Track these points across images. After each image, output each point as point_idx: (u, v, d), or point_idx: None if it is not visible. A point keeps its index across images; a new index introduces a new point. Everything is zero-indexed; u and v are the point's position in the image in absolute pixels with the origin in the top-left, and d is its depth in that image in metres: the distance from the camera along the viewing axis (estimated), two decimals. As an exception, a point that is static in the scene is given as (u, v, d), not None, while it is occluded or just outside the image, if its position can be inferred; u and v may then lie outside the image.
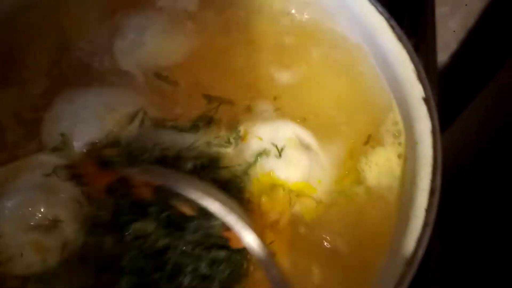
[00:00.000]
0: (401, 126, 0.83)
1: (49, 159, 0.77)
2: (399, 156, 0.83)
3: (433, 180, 0.73)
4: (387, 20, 0.83)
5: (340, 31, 0.91)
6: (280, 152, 0.79)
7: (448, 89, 1.72)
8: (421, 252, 0.68)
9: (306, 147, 0.82)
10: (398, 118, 0.84)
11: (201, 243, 0.71)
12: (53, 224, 0.72)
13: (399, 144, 0.83)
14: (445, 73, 1.79)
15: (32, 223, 0.72)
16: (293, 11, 0.93)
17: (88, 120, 0.79)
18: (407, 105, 0.80)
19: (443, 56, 1.77)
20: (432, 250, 0.91)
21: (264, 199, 0.78)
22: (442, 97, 1.38)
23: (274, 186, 0.79)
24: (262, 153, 0.80)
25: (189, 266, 0.70)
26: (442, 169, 0.74)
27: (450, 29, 1.72)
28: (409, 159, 0.80)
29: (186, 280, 0.70)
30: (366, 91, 0.88)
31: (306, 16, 0.93)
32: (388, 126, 0.85)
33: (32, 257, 0.71)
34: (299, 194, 0.79)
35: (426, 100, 0.78)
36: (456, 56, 1.77)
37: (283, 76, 0.89)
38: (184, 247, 0.71)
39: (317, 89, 0.89)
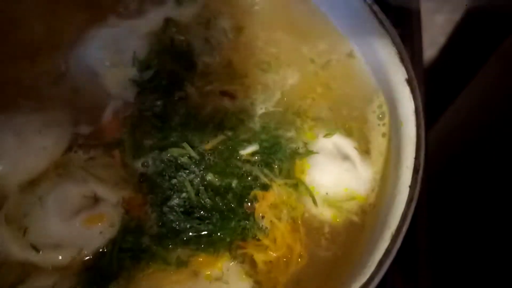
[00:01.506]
0: (385, 108, 0.85)
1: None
2: (383, 135, 0.84)
3: (416, 158, 0.74)
4: (370, 5, 0.84)
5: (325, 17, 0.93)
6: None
7: (436, 84, 1.74)
8: (405, 227, 0.69)
9: (344, 157, 0.82)
10: (382, 100, 0.85)
11: None
12: (94, 198, 0.75)
13: (383, 124, 0.84)
14: (432, 68, 1.81)
15: (73, 208, 0.74)
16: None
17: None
18: (390, 87, 0.82)
19: (430, 51, 1.79)
20: (420, 246, 0.92)
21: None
22: (429, 91, 1.40)
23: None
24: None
25: None
26: (425, 147, 0.75)
27: (437, 24, 1.74)
28: (393, 139, 0.82)
29: None
30: (351, 77, 0.89)
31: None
32: (373, 108, 0.86)
33: (89, 233, 0.73)
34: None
35: (409, 81, 0.79)
36: (443, 51, 1.79)
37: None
38: None
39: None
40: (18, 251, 0.71)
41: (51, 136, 0.79)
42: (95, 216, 0.74)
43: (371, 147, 0.84)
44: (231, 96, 0.86)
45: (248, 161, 0.79)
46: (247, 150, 0.80)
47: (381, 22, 0.83)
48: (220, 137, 0.80)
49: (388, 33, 0.82)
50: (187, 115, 0.82)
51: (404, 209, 0.70)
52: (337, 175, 0.80)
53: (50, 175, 0.77)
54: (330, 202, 0.79)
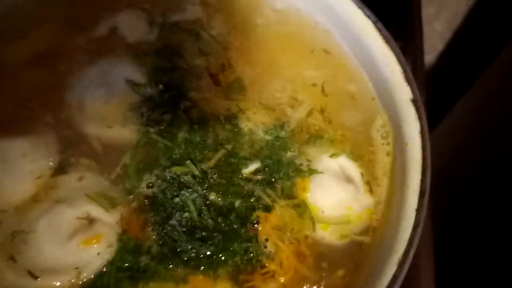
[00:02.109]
0: (388, 127, 0.83)
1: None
2: (387, 154, 0.83)
3: (422, 181, 0.73)
4: (374, 23, 0.83)
5: (327, 33, 0.92)
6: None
7: (435, 90, 1.73)
8: (412, 252, 0.68)
9: (348, 179, 0.81)
10: (386, 119, 0.84)
11: None
12: (88, 219, 0.74)
13: (388, 144, 0.83)
14: (431, 74, 1.81)
15: (67, 231, 0.72)
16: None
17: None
18: (395, 106, 0.80)
19: (429, 57, 1.78)
20: (423, 249, 0.92)
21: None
22: (429, 97, 1.39)
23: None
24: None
25: None
26: (431, 169, 0.74)
27: (436, 31, 1.74)
28: (398, 159, 0.80)
29: None
30: (355, 97, 0.88)
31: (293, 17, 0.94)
32: (377, 127, 0.85)
33: (86, 255, 0.71)
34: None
35: (414, 101, 0.78)
36: (442, 57, 1.79)
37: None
38: None
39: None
40: (14, 279, 0.69)
41: (37, 160, 0.77)
42: (91, 237, 0.72)
43: (376, 169, 0.83)
44: (216, 81, 0.87)
45: (250, 180, 0.78)
46: (250, 168, 0.79)
47: (386, 41, 0.82)
48: (221, 152, 0.79)
49: (393, 51, 0.81)
50: (190, 129, 0.81)
51: (411, 233, 0.69)
52: (340, 197, 0.79)
53: (41, 198, 0.75)
54: (330, 223, 0.78)
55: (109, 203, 0.75)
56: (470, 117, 1.60)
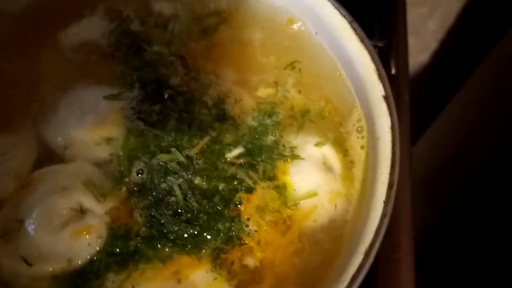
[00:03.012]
0: (363, 122, 0.85)
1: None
2: (361, 147, 0.86)
3: (391, 174, 0.75)
4: (350, 23, 0.85)
5: (307, 33, 0.94)
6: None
7: (429, 88, 1.75)
8: (378, 243, 0.70)
9: (328, 168, 0.84)
10: (361, 115, 0.86)
11: None
12: (80, 210, 0.76)
13: (362, 137, 0.86)
14: (425, 72, 1.82)
15: (60, 221, 0.74)
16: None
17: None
18: (368, 102, 0.83)
19: (423, 56, 1.79)
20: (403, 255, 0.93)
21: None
22: (422, 95, 1.40)
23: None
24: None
25: None
26: (402, 166, 0.76)
27: (429, 30, 1.75)
28: (370, 153, 0.83)
29: None
30: (331, 92, 0.91)
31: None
32: (353, 122, 0.88)
33: (77, 245, 0.74)
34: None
35: (386, 98, 0.80)
36: (436, 56, 1.80)
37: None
38: None
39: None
40: (10, 264, 0.72)
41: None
42: (82, 228, 0.75)
43: (353, 159, 0.86)
44: (185, 63, 0.90)
45: (233, 164, 0.81)
46: (233, 153, 0.82)
47: (360, 40, 0.84)
48: (206, 138, 0.82)
49: (367, 50, 0.83)
50: (179, 117, 0.84)
51: (378, 224, 0.71)
52: (317, 184, 0.82)
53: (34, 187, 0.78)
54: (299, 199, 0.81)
55: (101, 193, 0.78)
56: (462, 116, 1.61)
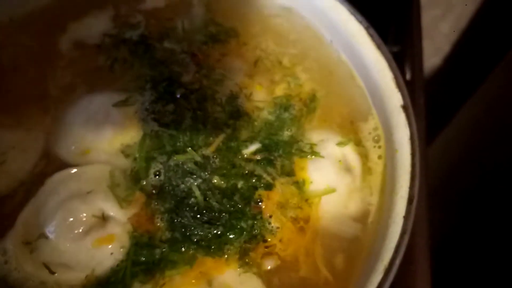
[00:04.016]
0: (380, 131, 0.82)
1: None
2: (379, 157, 0.82)
3: (411, 187, 0.71)
4: (366, 29, 0.82)
5: (323, 39, 0.91)
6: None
7: (442, 91, 1.71)
8: (398, 260, 0.67)
9: (347, 169, 0.81)
10: (378, 124, 0.82)
11: None
12: (103, 217, 0.73)
13: (379, 147, 0.82)
14: (438, 76, 1.78)
15: (82, 229, 0.72)
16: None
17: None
18: (386, 112, 0.79)
19: (435, 59, 1.75)
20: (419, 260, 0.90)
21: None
22: (435, 99, 1.37)
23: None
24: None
25: None
26: (420, 176, 0.73)
27: (442, 33, 1.71)
28: (388, 164, 0.79)
29: None
30: (347, 98, 0.87)
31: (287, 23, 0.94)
32: (369, 130, 0.84)
33: (100, 254, 0.71)
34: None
35: (404, 107, 0.76)
36: (449, 59, 1.76)
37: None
38: None
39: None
40: (32, 271, 0.70)
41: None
42: (105, 237, 0.72)
43: (371, 167, 0.83)
44: (197, 60, 0.88)
45: (250, 160, 0.78)
46: (250, 149, 0.79)
47: (377, 46, 0.80)
48: (221, 136, 0.79)
49: (384, 57, 0.79)
50: (193, 115, 0.81)
51: (398, 241, 0.68)
52: (336, 184, 0.79)
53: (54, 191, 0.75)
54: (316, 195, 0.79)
55: (123, 198, 0.75)
56: (476, 120, 1.57)
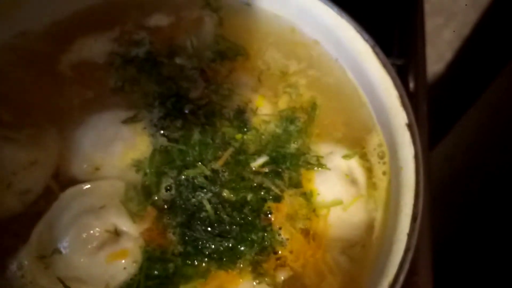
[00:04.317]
0: (385, 148, 0.83)
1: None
2: (383, 173, 0.84)
3: (415, 205, 0.73)
4: (372, 47, 0.83)
5: (329, 57, 0.92)
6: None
7: (445, 98, 1.72)
8: (402, 277, 0.69)
9: (353, 181, 0.83)
10: (383, 140, 0.84)
11: None
12: (115, 232, 0.75)
13: (384, 163, 0.84)
14: (440, 83, 1.79)
15: (95, 244, 0.73)
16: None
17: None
18: (391, 130, 0.80)
19: (437, 66, 1.76)
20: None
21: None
22: (438, 106, 1.38)
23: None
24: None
25: None
26: (424, 194, 0.74)
27: (445, 40, 1.72)
28: (393, 181, 0.81)
29: None
30: (352, 114, 0.89)
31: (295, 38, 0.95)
32: (374, 146, 0.86)
33: (113, 269, 0.73)
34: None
35: (409, 126, 0.78)
36: (451, 66, 1.77)
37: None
38: None
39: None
40: (47, 285, 0.71)
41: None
42: (118, 252, 0.74)
43: (375, 182, 0.85)
44: (206, 77, 0.89)
45: (259, 173, 0.80)
46: (258, 162, 0.81)
47: (383, 65, 0.82)
48: (230, 150, 0.81)
49: (389, 76, 0.81)
50: (202, 130, 0.83)
51: (402, 257, 0.70)
52: (341, 195, 0.81)
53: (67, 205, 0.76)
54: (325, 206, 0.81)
55: (136, 212, 0.77)
56: (478, 128, 1.58)
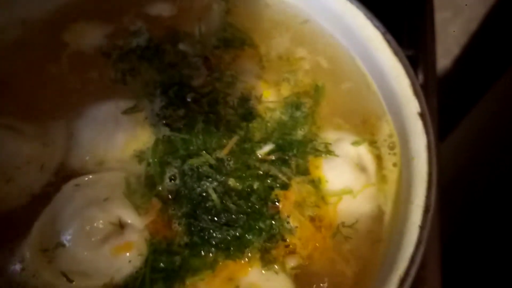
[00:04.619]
0: (395, 138, 0.81)
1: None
2: (394, 165, 0.81)
3: (427, 197, 0.70)
4: (383, 34, 0.80)
5: (337, 43, 0.90)
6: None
7: (451, 94, 1.70)
8: (414, 270, 0.66)
9: (362, 169, 0.80)
10: (393, 131, 0.81)
11: None
12: (120, 225, 0.72)
13: (394, 154, 0.81)
14: (447, 78, 1.76)
15: (100, 236, 0.71)
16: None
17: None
18: (402, 119, 0.78)
19: (444, 61, 1.74)
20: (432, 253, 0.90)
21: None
22: (445, 101, 1.36)
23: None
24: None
25: None
26: (437, 185, 0.72)
27: (451, 34, 1.69)
28: (404, 171, 0.78)
29: None
30: (361, 102, 0.86)
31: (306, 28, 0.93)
32: (384, 137, 0.83)
33: (118, 262, 0.71)
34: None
35: (422, 115, 0.75)
36: (458, 61, 1.74)
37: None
38: None
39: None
40: (50, 279, 0.69)
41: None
42: (123, 245, 0.71)
43: (385, 174, 0.82)
44: (209, 64, 0.87)
45: (265, 161, 0.78)
46: (264, 150, 0.79)
47: (395, 53, 0.79)
48: (235, 138, 0.79)
49: (401, 64, 0.78)
50: (206, 119, 0.80)
51: (413, 251, 0.67)
52: (350, 183, 0.78)
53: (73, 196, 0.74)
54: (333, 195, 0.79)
55: (140, 204, 0.75)
56: (485, 123, 1.56)
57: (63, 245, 0.70)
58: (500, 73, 1.51)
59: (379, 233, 0.78)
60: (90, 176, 0.76)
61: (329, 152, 0.80)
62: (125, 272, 0.70)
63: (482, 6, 1.64)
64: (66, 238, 0.70)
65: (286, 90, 0.87)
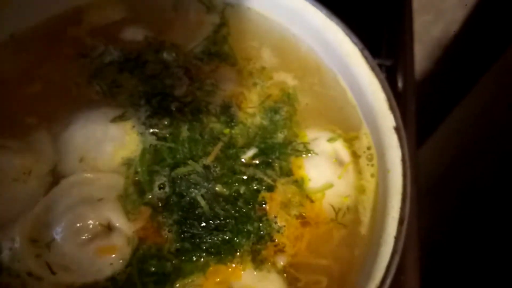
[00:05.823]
0: (373, 151, 0.84)
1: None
2: (371, 176, 0.84)
3: (402, 209, 0.73)
4: (361, 50, 0.83)
5: (317, 57, 0.92)
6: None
7: (432, 95, 1.73)
8: (389, 280, 0.69)
9: (340, 163, 0.84)
10: (371, 143, 0.84)
11: None
12: (108, 227, 0.75)
13: (372, 165, 0.84)
14: (429, 80, 1.79)
15: (87, 235, 0.73)
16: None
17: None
18: (379, 132, 0.80)
19: (426, 63, 1.77)
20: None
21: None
22: (426, 103, 1.39)
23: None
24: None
25: None
26: (410, 197, 0.75)
27: (433, 37, 1.72)
28: (380, 184, 0.81)
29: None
30: (341, 115, 0.89)
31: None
32: (363, 149, 0.86)
33: (100, 262, 0.73)
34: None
35: (397, 129, 0.78)
36: (439, 63, 1.77)
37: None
38: None
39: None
40: (34, 268, 0.71)
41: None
42: (107, 247, 0.74)
43: (363, 184, 0.85)
44: (190, 74, 0.89)
45: (250, 165, 0.81)
46: (248, 154, 0.82)
47: (371, 68, 0.82)
48: (219, 145, 0.81)
49: (378, 79, 0.81)
50: (190, 127, 0.83)
51: (389, 261, 0.70)
52: (331, 178, 0.82)
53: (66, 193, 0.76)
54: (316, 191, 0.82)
55: (131, 209, 0.77)
56: (466, 125, 1.59)
57: (53, 238, 0.72)
58: (480, 75, 1.54)
59: (357, 240, 0.81)
60: (90, 175, 0.78)
61: (308, 151, 0.84)
62: (105, 273, 0.73)
63: (463, 8, 1.67)
64: (56, 231, 0.73)
65: (262, 97, 0.90)
